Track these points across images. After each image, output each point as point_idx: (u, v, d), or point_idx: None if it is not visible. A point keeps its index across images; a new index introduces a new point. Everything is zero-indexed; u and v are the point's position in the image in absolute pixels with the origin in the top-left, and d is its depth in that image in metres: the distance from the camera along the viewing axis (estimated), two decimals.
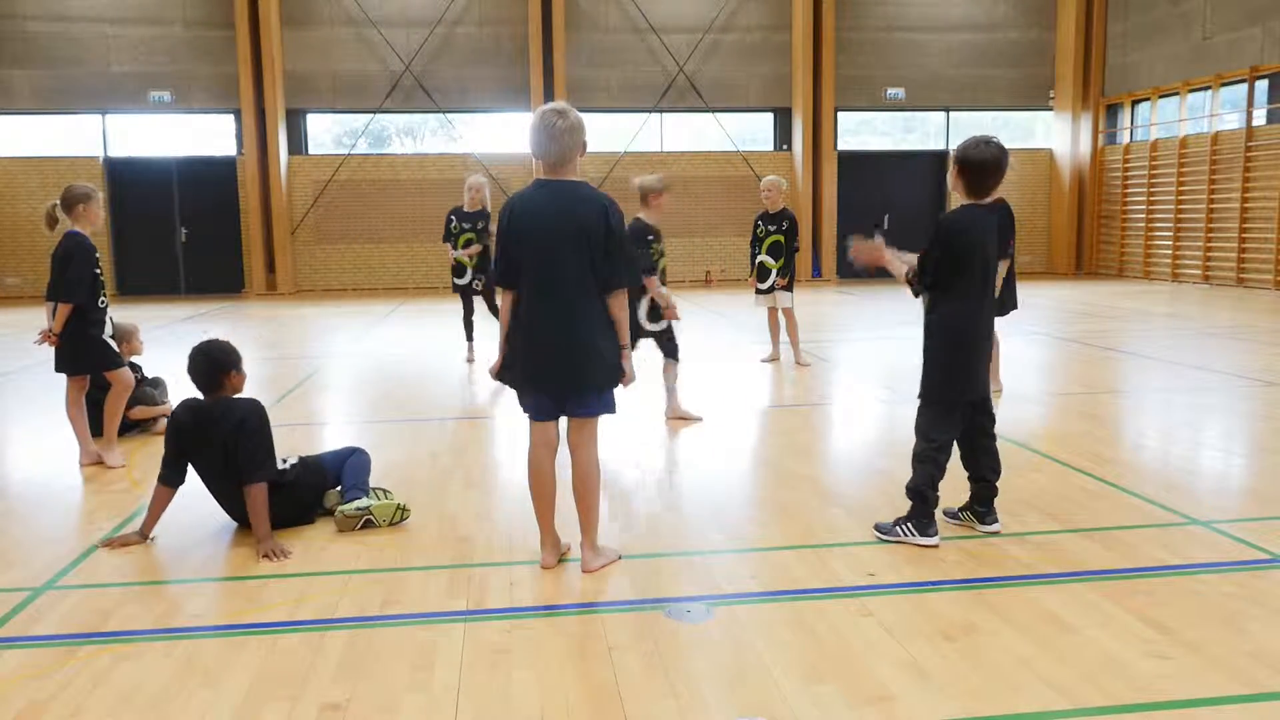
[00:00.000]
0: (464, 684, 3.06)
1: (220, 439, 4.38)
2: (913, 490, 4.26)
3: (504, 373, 3.97)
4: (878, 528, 4.36)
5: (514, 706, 2.93)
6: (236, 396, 4.54)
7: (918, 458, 4.28)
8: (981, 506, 4.40)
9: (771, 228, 9.07)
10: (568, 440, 4.01)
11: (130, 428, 6.60)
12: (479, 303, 9.83)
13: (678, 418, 6.90)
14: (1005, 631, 3.37)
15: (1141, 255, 19.40)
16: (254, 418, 4.42)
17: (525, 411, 4.01)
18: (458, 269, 9.66)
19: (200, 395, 4.52)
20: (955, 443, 4.35)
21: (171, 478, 4.44)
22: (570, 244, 3.74)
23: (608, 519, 4.58)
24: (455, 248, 9.57)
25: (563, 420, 4.02)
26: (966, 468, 4.42)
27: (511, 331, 3.90)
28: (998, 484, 4.40)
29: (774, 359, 9.47)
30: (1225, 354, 9.63)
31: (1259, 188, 16.53)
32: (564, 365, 3.82)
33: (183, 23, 18.91)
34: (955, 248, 4.14)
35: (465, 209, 9.67)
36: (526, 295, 3.84)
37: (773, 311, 9.39)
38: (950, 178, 4.26)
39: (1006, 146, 4.26)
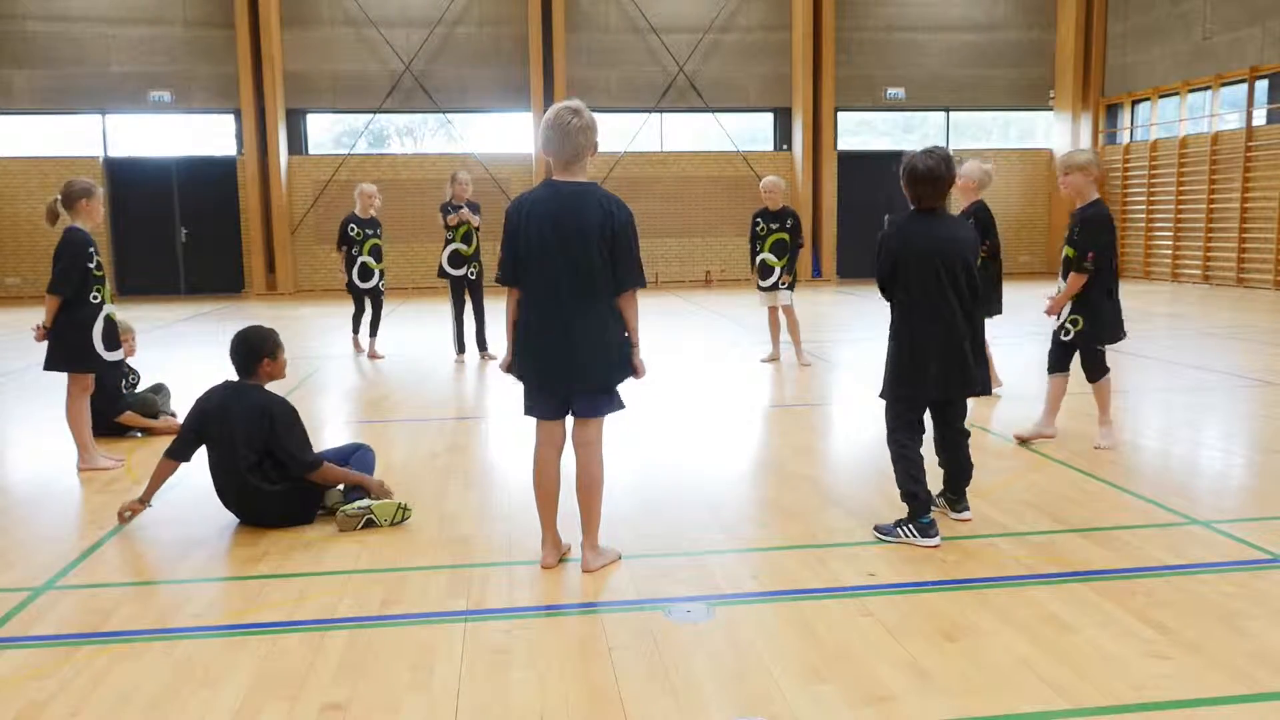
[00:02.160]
0: (464, 684, 3.06)
1: (240, 423, 4.47)
2: (902, 493, 4.31)
3: (514, 368, 4.00)
4: (878, 529, 4.37)
5: (514, 706, 2.93)
6: (269, 389, 4.67)
7: (892, 460, 4.37)
8: (953, 494, 4.54)
9: (774, 225, 9.08)
10: (572, 440, 4.02)
11: (126, 430, 6.58)
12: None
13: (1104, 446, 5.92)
14: (1005, 631, 3.37)
15: (1141, 255, 19.41)
16: (285, 414, 4.55)
17: (531, 414, 4.01)
18: (364, 271, 10.16)
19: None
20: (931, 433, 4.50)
21: (179, 453, 4.56)
22: (578, 246, 3.75)
23: (607, 519, 4.59)
24: (363, 253, 10.09)
25: (568, 420, 4.03)
26: (937, 454, 4.53)
27: (517, 331, 3.93)
28: (970, 473, 4.52)
29: (774, 359, 9.47)
30: (1225, 354, 9.63)
31: (1259, 188, 16.53)
32: (568, 366, 3.84)
33: (183, 23, 18.91)
34: (894, 253, 4.25)
35: (359, 214, 10.16)
36: (532, 296, 3.86)
37: (773, 310, 9.39)
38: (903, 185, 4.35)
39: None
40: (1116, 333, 5.91)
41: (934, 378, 4.27)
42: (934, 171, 4.20)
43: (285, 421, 4.52)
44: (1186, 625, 3.38)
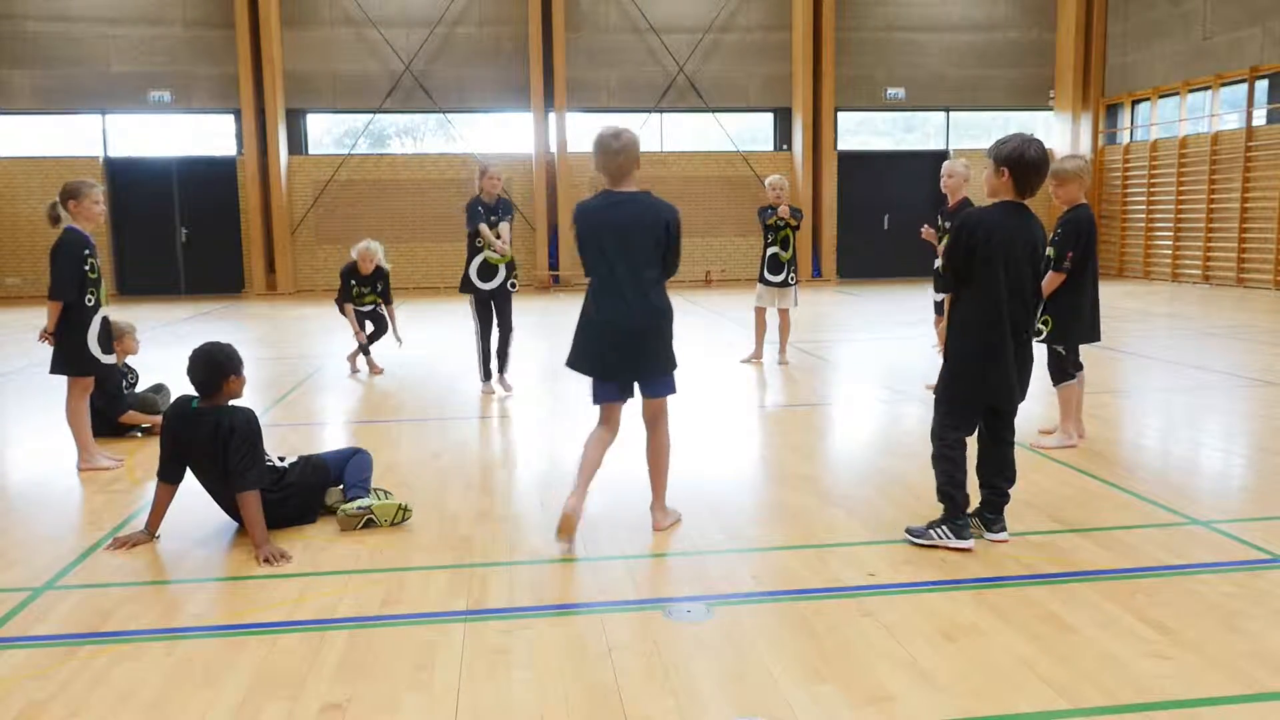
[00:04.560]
0: (464, 684, 3.06)
1: (213, 447, 4.33)
2: (940, 493, 4.20)
3: (575, 362, 4.42)
4: (909, 531, 4.26)
5: (514, 706, 2.93)
6: (231, 404, 4.46)
7: (933, 460, 4.24)
8: (990, 514, 4.29)
9: (781, 221, 9.16)
10: (644, 418, 4.48)
11: (126, 430, 6.58)
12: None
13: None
14: (1005, 631, 3.37)
15: (1141, 255, 19.40)
16: (244, 427, 4.34)
17: (598, 401, 4.41)
18: (359, 316, 9.37)
19: (196, 395, 4.48)
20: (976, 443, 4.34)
21: (170, 475, 4.44)
22: (636, 246, 4.27)
23: (607, 518, 4.61)
24: (361, 304, 9.39)
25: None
26: (978, 473, 4.33)
27: (582, 325, 4.39)
28: (1009, 491, 4.30)
29: (757, 360, 9.47)
30: (1225, 354, 9.63)
31: (1259, 188, 16.53)
32: (635, 353, 4.31)
33: (183, 23, 18.91)
34: (973, 246, 4.03)
35: (360, 271, 9.41)
36: (597, 291, 4.34)
37: (760, 312, 9.39)
38: (989, 178, 4.11)
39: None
40: (1085, 336, 5.86)
41: (1009, 380, 4.13)
42: (1045, 159, 4.03)
43: (243, 433, 4.32)
44: (1186, 625, 3.39)
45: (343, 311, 9.49)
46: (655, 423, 4.48)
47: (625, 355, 4.31)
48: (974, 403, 4.22)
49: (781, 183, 9.23)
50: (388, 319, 9.64)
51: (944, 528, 4.16)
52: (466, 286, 7.98)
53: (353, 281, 9.52)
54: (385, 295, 9.63)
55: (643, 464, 4.48)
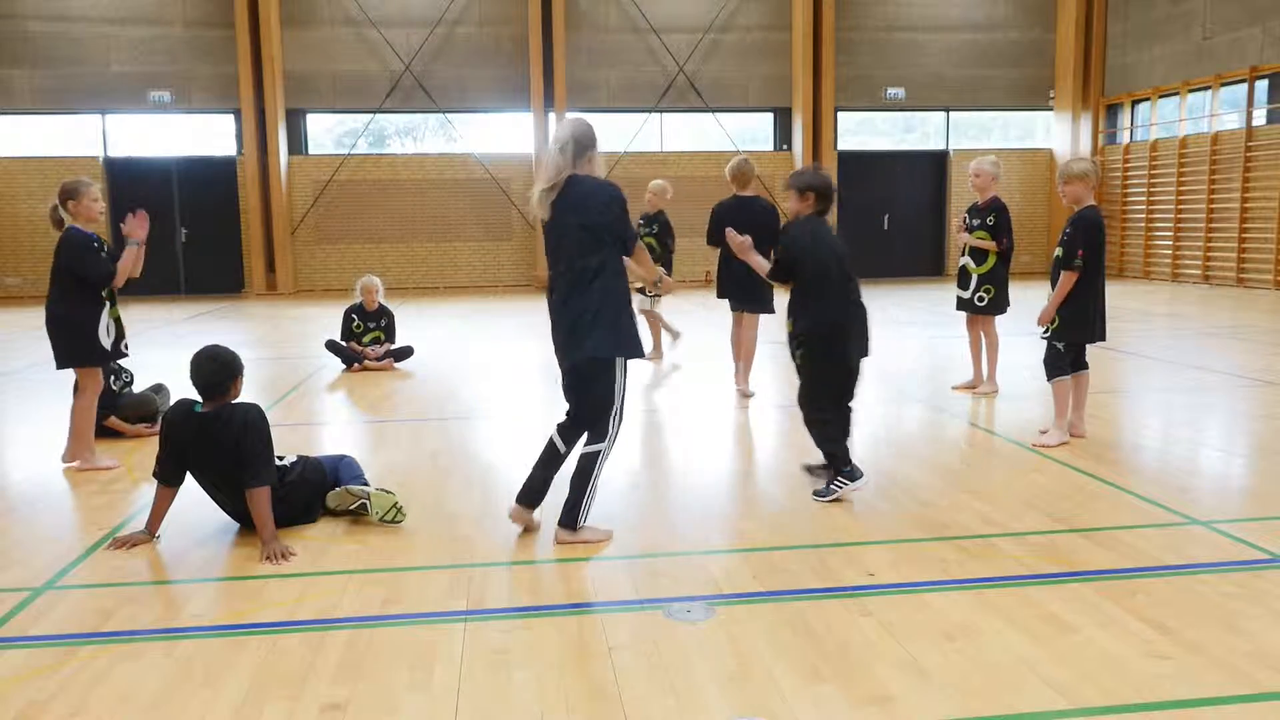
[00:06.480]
0: (464, 684, 3.06)
1: (225, 447, 4.32)
2: (828, 453, 4.99)
3: (720, 292, 7.69)
4: (816, 494, 4.92)
5: (514, 706, 2.93)
6: (236, 401, 4.47)
7: (820, 425, 5.05)
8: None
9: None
10: (743, 324, 7.64)
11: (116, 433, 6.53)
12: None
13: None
14: (1005, 631, 3.37)
15: (1141, 255, 19.40)
16: (258, 423, 4.37)
17: (734, 310, 7.70)
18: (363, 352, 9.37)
19: (198, 398, 4.46)
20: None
21: (170, 478, 4.42)
22: (752, 231, 5.84)
23: (606, 517, 4.61)
24: (361, 344, 9.46)
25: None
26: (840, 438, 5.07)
27: (721, 272, 7.58)
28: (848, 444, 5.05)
29: (657, 358, 9.71)
30: (1225, 354, 9.63)
31: (1259, 188, 16.53)
32: (749, 288, 7.36)
33: (183, 23, 18.91)
34: (815, 253, 5.03)
35: (364, 307, 9.61)
36: (730, 256, 6.93)
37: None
38: (794, 201, 5.04)
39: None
40: (1086, 335, 5.97)
41: (850, 352, 5.25)
42: (833, 183, 5.15)
43: (256, 429, 4.34)
44: (1186, 625, 3.39)
45: (337, 349, 9.43)
46: (754, 328, 7.68)
47: (744, 289, 7.41)
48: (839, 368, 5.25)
49: (664, 187, 9.62)
50: (390, 346, 9.63)
51: (838, 480, 4.92)
52: (634, 345, 4.33)
53: (354, 317, 9.55)
54: (389, 333, 9.68)
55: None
